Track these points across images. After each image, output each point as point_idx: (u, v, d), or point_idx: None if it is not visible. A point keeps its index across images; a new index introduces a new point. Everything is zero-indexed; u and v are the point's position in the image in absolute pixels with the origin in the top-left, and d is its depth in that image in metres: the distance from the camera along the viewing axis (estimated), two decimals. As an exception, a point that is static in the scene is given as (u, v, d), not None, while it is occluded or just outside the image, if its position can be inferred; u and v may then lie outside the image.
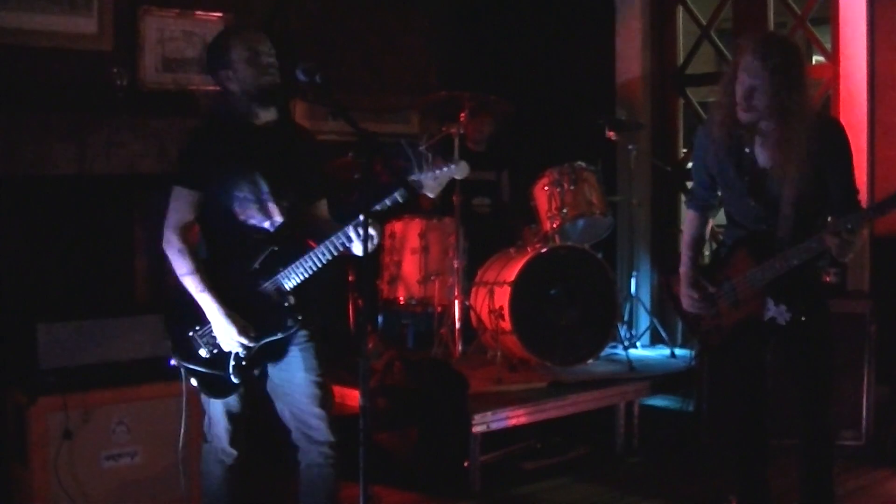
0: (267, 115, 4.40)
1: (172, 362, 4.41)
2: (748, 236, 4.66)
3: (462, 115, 7.09)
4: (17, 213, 5.95)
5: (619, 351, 7.16)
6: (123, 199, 6.20)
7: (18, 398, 5.23)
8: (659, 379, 6.76)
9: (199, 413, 4.57)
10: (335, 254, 4.24)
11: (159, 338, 5.38)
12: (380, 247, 7.09)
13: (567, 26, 8.52)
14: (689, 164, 4.84)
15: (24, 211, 5.97)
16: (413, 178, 4.16)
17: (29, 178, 5.75)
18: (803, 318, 4.55)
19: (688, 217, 4.98)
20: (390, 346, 6.83)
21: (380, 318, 7.33)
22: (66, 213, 6.08)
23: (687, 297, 4.81)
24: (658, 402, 6.90)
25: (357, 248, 4.17)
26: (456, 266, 6.96)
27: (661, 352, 7.55)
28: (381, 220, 4.25)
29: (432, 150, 4.36)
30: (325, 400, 4.44)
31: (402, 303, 7.17)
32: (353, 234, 4.16)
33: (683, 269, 4.84)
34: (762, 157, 4.56)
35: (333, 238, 4.20)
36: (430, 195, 4.22)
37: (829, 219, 4.35)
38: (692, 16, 8.06)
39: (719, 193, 4.84)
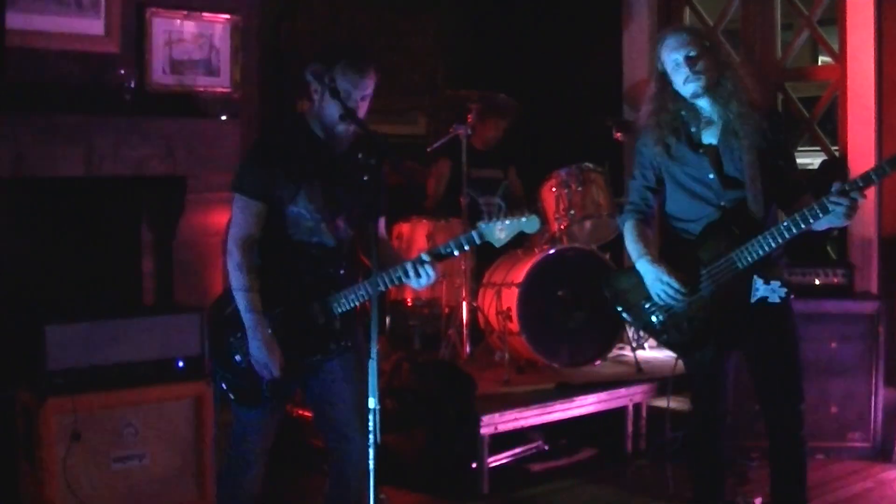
0: (338, 133, 4.25)
1: (207, 363, 4.37)
2: (722, 218, 4.58)
3: (469, 115, 7.08)
4: (25, 214, 5.95)
5: (627, 352, 7.16)
6: (131, 201, 6.20)
7: (27, 400, 5.23)
8: (667, 381, 6.73)
9: (211, 416, 4.53)
10: (389, 286, 4.21)
11: (167, 339, 5.42)
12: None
13: (574, 27, 8.52)
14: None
15: (32, 212, 5.97)
16: (481, 225, 4.07)
17: (36, 179, 5.75)
18: (792, 296, 4.53)
19: (626, 227, 4.86)
20: (398, 347, 6.84)
21: (387, 320, 7.33)
22: (74, 215, 6.08)
23: (663, 286, 4.62)
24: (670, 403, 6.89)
25: (413, 284, 4.14)
26: (463, 267, 6.96)
27: (669, 353, 7.52)
28: (439, 260, 4.15)
29: (507, 201, 4.29)
30: (364, 412, 4.37)
31: (409, 304, 7.19)
32: (410, 271, 4.11)
33: (648, 258, 4.71)
34: (708, 136, 4.63)
35: (391, 271, 4.13)
36: (496, 245, 4.11)
37: (834, 185, 4.30)
38: (699, 17, 8.05)
39: (653, 201, 4.86)
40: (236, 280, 4.20)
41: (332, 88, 4.10)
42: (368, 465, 4.26)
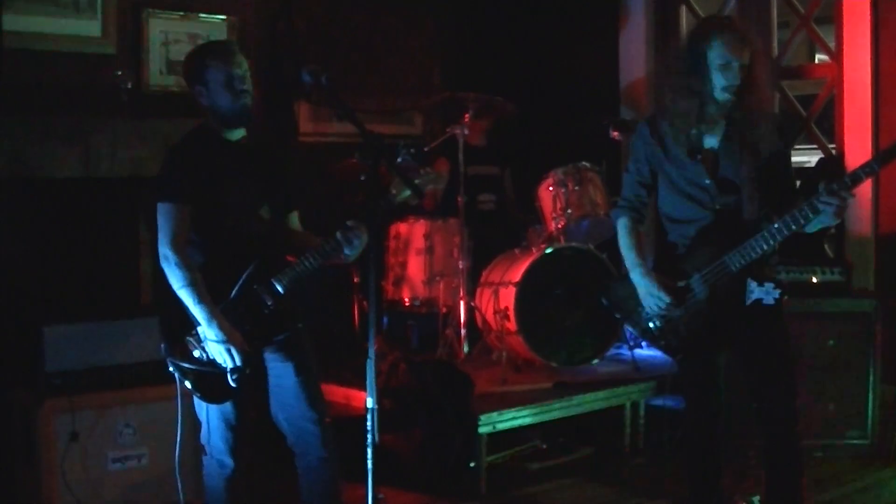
0: (237, 134, 4.44)
1: (168, 367, 4.39)
2: (715, 221, 4.57)
3: (466, 116, 7.09)
4: (23, 215, 5.96)
5: (624, 351, 7.15)
6: (128, 202, 6.21)
7: (25, 400, 5.24)
8: (664, 379, 6.76)
9: (193, 415, 4.54)
10: (326, 258, 4.34)
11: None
12: (384, 248, 7.15)
13: (571, 26, 8.52)
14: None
15: (30, 213, 5.98)
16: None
17: (34, 180, 5.76)
18: (785, 297, 4.54)
19: (621, 225, 4.86)
20: (395, 347, 6.83)
21: (385, 320, 7.34)
22: (72, 216, 6.09)
23: (654, 299, 4.63)
24: (664, 402, 6.90)
25: (346, 250, 4.31)
26: (461, 267, 6.96)
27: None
28: (365, 222, 4.34)
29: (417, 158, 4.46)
30: (317, 401, 4.48)
31: (406, 304, 7.18)
32: (340, 237, 4.27)
33: (641, 270, 4.70)
34: (710, 140, 4.60)
35: (323, 242, 4.31)
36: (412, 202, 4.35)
37: (822, 184, 4.30)
38: (696, 16, 8.05)
39: (649, 198, 4.87)
40: (179, 278, 4.24)
41: (222, 81, 4.33)
42: (329, 453, 4.39)
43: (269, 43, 7.45)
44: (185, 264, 4.25)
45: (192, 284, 4.23)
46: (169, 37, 6.47)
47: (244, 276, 4.33)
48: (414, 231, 7.18)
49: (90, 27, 6.18)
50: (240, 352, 4.23)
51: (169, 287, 4.28)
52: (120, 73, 6.12)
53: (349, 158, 6.82)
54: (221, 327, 4.22)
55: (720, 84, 4.47)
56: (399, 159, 6.28)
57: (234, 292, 4.33)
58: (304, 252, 4.35)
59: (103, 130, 5.81)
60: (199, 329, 4.27)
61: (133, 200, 6.19)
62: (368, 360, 3.92)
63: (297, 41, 7.47)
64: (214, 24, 6.56)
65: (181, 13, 6.51)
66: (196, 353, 4.32)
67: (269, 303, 4.33)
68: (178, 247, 4.27)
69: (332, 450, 4.46)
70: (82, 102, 5.98)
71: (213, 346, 4.23)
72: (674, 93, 4.59)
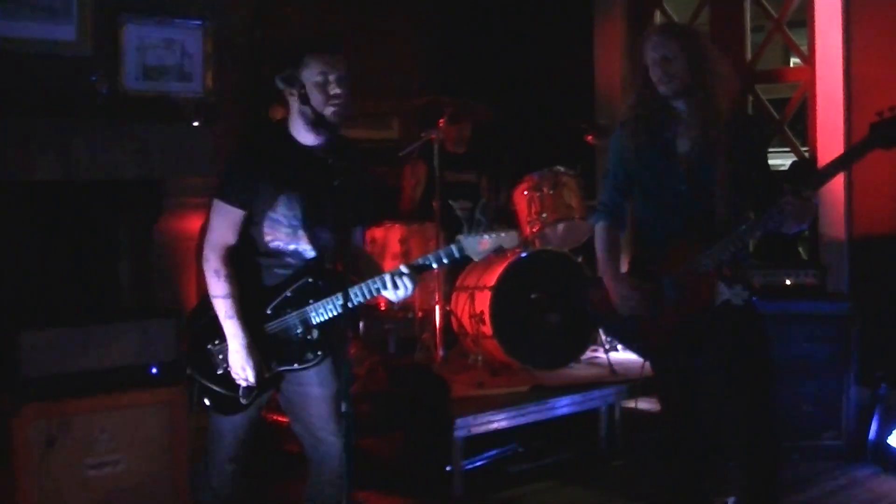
0: (316, 140, 4.27)
1: (186, 371, 4.37)
2: (686, 224, 4.60)
3: (441, 120, 7.10)
4: (1, 219, 5.93)
5: (600, 354, 7.18)
6: (107, 205, 6.19)
7: (1, 406, 5.22)
8: (640, 382, 6.78)
9: (185, 422, 4.53)
10: (368, 298, 4.15)
11: (143, 345, 5.40)
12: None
13: (547, 31, 8.56)
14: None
15: (8, 217, 5.95)
16: (461, 238, 4.05)
17: (11, 184, 5.74)
18: (754, 298, 4.56)
19: (598, 229, 4.89)
20: (373, 351, 6.84)
21: (361, 324, 7.34)
22: (50, 219, 6.07)
23: (626, 301, 4.67)
24: (640, 404, 6.93)
25: (390, 295, 4.11)
26: (437, 271, 6.97)
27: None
28: (418, 272, 4.12)
29: (489, 216, 4.29)
30: (340, 415, 4.40)
31: (383, 308, 7.19)
32: (388, 283, 4.08)
33: (612, 272, 4.75)
34: (683, 143, 4.63)
35: (369, 282, 4.10)
36: (475, 259, 4.11)
37: (786, 185, 4.34)
38: (669, 19, 8.09)
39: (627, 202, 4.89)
40: (215, 286, 4.19)
41: (301, 94, 4.12)
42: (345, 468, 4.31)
43: (248, 48, 7.45)
44: (225, 274, 4.19)
45: (227, 296, 4.18)
46: (145, 42, 6.45)
47: (280, 298, 4.25)
48: (390, 236, 7.19)
49: (66, 31, 6.15)
50: (255, 374, 4.19)
51: (204, 289, 4.23)
52: (96, 77, 6.11)
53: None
54: (243, 346, 4.17)
55: (654, 80, 4.58)
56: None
57: (267, 311, 4.26)
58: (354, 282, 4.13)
59: (82, 134, 5.79)
60: (223, 343, 4.23)
61: (112, 204, 6.18)
62: (343, 365, 3.91)
63: (275, 46, 7.47)
64: (191, 29, 6.54)
65: (157, 18, 6.49)
66: (215, 364, 4.29)
67: (299, 331, 4.24)
68: (221, 252, 4.20)
69: (351, 466, 4.37)
70: (60, 106, 5.96)
71: (232, 362, 4.20)
72: (635, 108, 4.70)
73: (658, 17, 8.16)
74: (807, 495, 5.82)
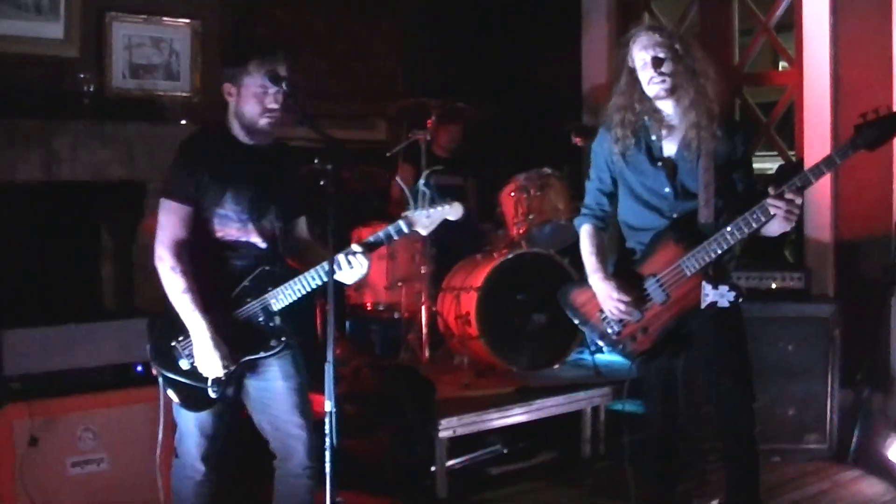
0: (251, 141, 4.35)
1: (153, 370, 4.38)
2: (671, 226, 4.61)
3: (429, 121, 7.10)
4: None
5: (586, 356, 7.17)
6: (90, 206, 6.19)
7: (-17, 404, 5.22)
8: (624, 384, 6.75)
9: (172, 420, 4.52)
10: (325, 280, 4.18)
11: (126, 344, 5.40)
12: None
13: (534, 32, 8.56)
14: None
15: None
16: (408, 213, 4.16)
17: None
18: (741, 299, 4.56)
19: (583, 231, 4.88)
20: (358, 352, 6.84)
21: (347, 324, 7.33)
22: (33, 220, 6.06)
23: (614, 303, 4.66)
24: (624, 406, 6.92)
25: (345, 276, 4.19)
26: (423, 272, 6.98)
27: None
28: (370, 250, 4.21)
29: (431, 190, 4.32)
30: (305, 408, 4.42)
31: (369, 308, 7.18)
32: (343, 262, 4.15)
33: (599, 275, 4.74)
34: (668, 146, 4.64)
35: (325, 264, 4.14)
36: (423, 232, 4.20)
37: (770, 187, 4.35)
38: (658, 21, 8.09)
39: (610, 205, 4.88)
40: (173, 283, 4.21)
41: (255, 93, 4.23)
42: (313, 463, 4.33)
43: (233, 47, 7.45)
44: (181, 270, 4.20)
45: (186, 291, 4.19)
46: (132, 41, 6.45)
47: (239, 288, 4.29)
48: (376, 236, 7.18)
49: (53, 30, 6.15)
50: (224, 365, 4.21)
51: (162, 288, 4.24)
52: (82, 76, 6.10)
53: (309, 164, 6.81)
54: (209, 338, 4.18)
55: (644, 80, 4.57)
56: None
57: (229, 302, 4.29)
58: (304, 270, 4.25)
59: (65, 134, 5.78)
60: (187, 339, 4.24)
61: (95, 204, 6.17)
62: (327, 364, 3.92)
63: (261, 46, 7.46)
64: (178, 28, 6.55)
65: (144, 17, 6.49)
66: (181, 361, 4.30)
67: (261, 319, 4.29)
68: (174, 249, 4.22)
69: (315, 460, 4.40)
70: (44, 106, 5.95)
71: (199, 355, 4.21)
72: (620, 110, 4.69)
73: (647, 19, 8.16)
74: (790, 497, 5.82)
